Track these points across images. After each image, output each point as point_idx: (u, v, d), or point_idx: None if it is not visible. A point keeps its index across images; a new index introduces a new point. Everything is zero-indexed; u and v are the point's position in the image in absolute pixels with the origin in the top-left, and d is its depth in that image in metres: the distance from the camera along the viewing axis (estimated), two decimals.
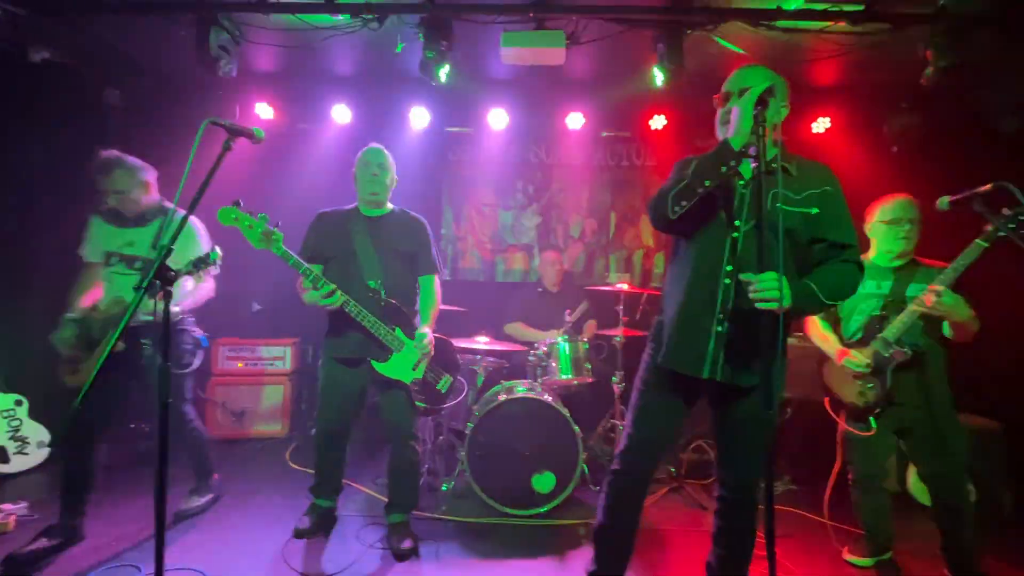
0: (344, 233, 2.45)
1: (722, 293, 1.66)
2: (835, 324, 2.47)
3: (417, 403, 2.48)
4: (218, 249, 2.13)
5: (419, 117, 4.16)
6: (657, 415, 1.85)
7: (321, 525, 2.55)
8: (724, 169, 1.54)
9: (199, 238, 2.52)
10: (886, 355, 2.21)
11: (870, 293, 2.33)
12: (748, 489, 1.79)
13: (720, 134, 1.72)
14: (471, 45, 3.16)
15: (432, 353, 2.48)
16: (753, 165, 1.51)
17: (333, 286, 2.26)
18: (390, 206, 2.58)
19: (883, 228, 2.33)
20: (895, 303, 2.25)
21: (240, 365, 4.10)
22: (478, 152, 4.66)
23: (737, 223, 1.65)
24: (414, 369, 2.45)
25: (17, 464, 3.14)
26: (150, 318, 2.25)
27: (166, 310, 1.45)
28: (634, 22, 2.83)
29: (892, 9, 2.75)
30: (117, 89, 3.88)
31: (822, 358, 2.46)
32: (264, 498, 2.99)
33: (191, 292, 2.52)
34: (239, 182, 3.85)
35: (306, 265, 2.23)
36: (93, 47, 3.50)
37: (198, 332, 2.64)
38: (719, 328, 1.66)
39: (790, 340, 3.70)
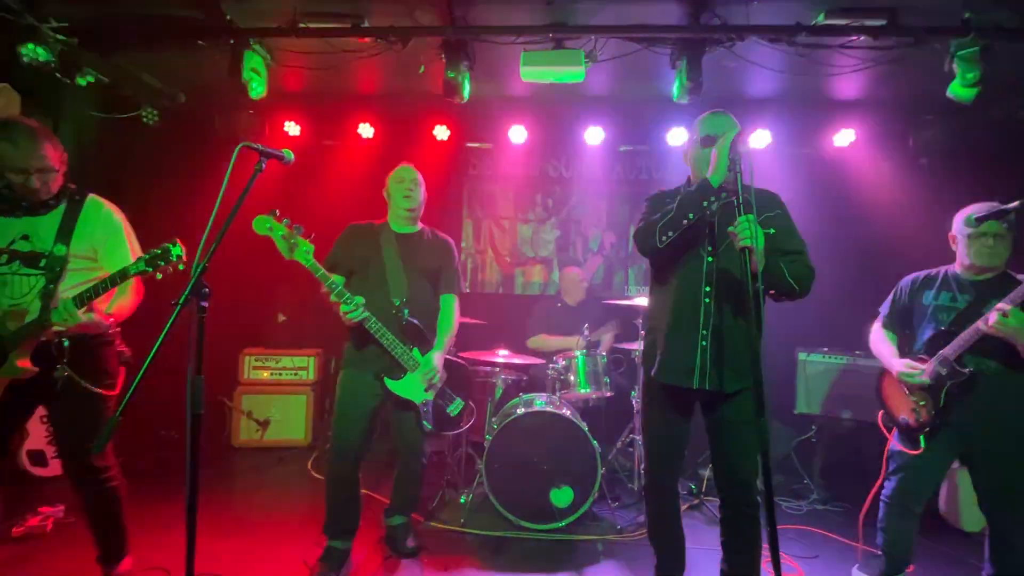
0: (374, 247, 2.45)
1: (703, 310, 1.89)
2: (903, 335, 2.36)
3: (424, 423, 2.43)
4: (179, 242, 1.82)
5: (441, 133, 4.24)
6: (661, 430, 2.07)
7: (339, 570, 2.36)
8: (705, 204, 1.79)
9: (123, 230, 2.06)
10: (943, 373, 2.10)
11: (943, 305, 2.19)
12: (745, 490, 1.89)
13: (697, 169, 1.95)
14: (491, 64, 3.24)
15: (438, 380, 2.43)
16: (731, 198, 1.73)
17: (360, 300, 2.25)
18: (420, 225, 2.59)
19: (965, 240, 2.15)
20: (967, 319, 2.09)
21: (266, 375, 4.20)
22: (498, 166, 4.74)
23: (710, 248, 1.91)
24: (426, 391, 2.41)
25: (55, 468, 3.27)
26: (64, 327, 1.84)
27: (201, 325, 1.48)
28: (652, 40, 2.87)
29: (915, 22, 2.73)
30: (156, 109, 4.07)
31: (881, 373, 2.36)
32: (287, 507, 3.06)
33: (121, 298, 2.02)
34: (266, 198, 3.99)
35: (332, 279, 2.21)
36: (134, 69, 3.69)
37: (125, 350, 2.13)
38: (703, 342, 1.88)
39: (821, 357, 3.63)
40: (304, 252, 2.14)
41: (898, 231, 3.97)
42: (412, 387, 2.39)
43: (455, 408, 2.52)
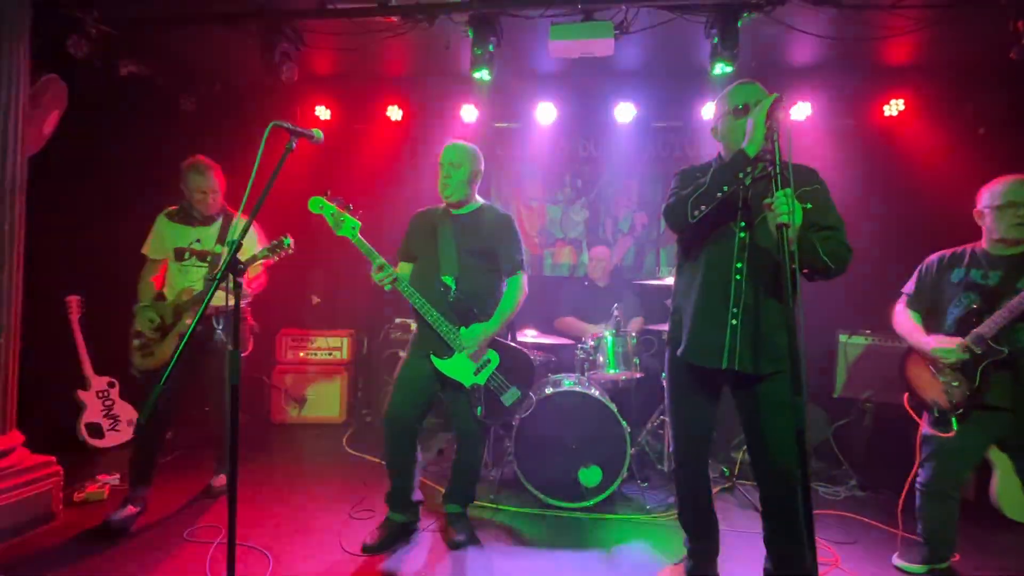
0: (431, 231, 2.45)
1: (734, 288, 1.83)
2: (928, 316, 2.28)
3: (477, 410, 2.37)
4: (289, 236, 2.38)
5: (468, 114, 4.21)
6: (688, 411, 2.02)
7: (392, 541, 2.42)
8: (741, 175, 1.70)
9: (257, 237, 2.76)
10: (978, 351, 2.02)
11: (974, 283, 2.11)
12: (785, 478, 1.79)
13: (731, 141, 1.85)
14: (519, 40, 3.17)
15: (482, 356, 2.37)
16: (769, 168, 1.63)
17: (384, 262, 2.29)
18: (479, 201, 2.51)
19: (993, 213, 2.07)
20: (999, 296, 2.02)
21: (302, 355, 4.33)
22: (526, 147, 4.67)
23: (743, 223, 1.83)
24: (475, 374, 2.35)
25: (111, 439, 3.49)
26: (221, 303, 2.66)
27: (237, 299, 1.58)
28: (686, 8, 2.75)
29: None
30: (192, 96, 4.18)
31: (905, 354, 2.29)
32: (323, 481, 3.16)
33: (255, 276, 2.73)
34: (299, 179, 4.08)
35: (375, 252, 2.29)
36: (171, 58, 3.80)
37: (254, 324, 2.96)
38: (734, 321, 1.81)
39: (863, 339, 3.49)
40: (350, 228, 2.28)
41: (952, 206, 3.71)
42: (460, 368, 2.35)
43: (510, 397, 2.40)
